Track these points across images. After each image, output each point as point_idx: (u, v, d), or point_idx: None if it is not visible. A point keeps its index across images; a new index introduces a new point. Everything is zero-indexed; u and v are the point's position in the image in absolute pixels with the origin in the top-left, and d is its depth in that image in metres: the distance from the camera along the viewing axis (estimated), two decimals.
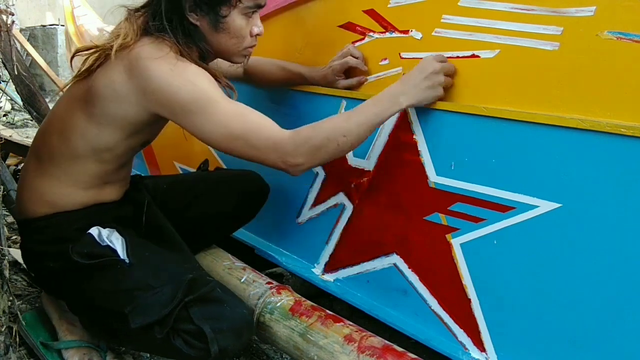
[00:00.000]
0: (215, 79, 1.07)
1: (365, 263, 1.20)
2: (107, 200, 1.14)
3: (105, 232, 1.04)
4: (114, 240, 1.03)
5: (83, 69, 1.02)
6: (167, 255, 1.07)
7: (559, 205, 0.85)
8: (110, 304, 1.00)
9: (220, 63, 1.20)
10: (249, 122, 0.96)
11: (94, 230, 1.04)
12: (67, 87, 1.07)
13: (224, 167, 1.62)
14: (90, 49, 1.02)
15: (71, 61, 1.16)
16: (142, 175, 1.50)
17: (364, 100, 1.13)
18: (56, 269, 1.06)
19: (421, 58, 1.03)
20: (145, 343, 1.04)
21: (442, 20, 0.99)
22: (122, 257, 1.01)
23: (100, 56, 1.00)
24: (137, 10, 1.03)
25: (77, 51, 1.06)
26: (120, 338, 1.10)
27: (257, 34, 1.07)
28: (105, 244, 1.02)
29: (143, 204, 1.19)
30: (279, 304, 1.11)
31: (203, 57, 1.07)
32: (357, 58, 1.14)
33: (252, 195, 1.35)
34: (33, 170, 1.09)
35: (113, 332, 1.07)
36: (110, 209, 1.14)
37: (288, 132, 0.97)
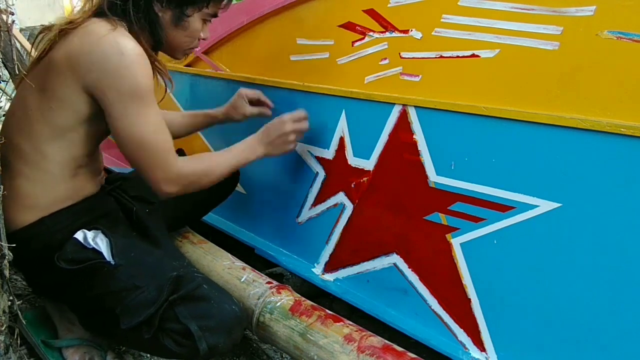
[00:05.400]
0: (157, 70, 1.13)
1: (365, 263, 1.20)
2: (86, 194, 1.10)
3: (90, 234, 1.03)
4: (99, 242, 1.02)
5: (42, 48, 1.01)
6: (153, 252, 1.06)
7: (559, 205, 0.85)
8: (102, 306, 0.99)
9: None
10: (161, 140, 1.00)
11: (79, 234, 1.02)
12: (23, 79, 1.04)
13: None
14: (48, 27, 1.02)
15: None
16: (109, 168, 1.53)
17: (363, 100, 1.13)
18: (49, 279, 1.05)
19: (421, 58, 1.03)
20: (138, 343, 1.04)
21: (442, 20, 0.99)
22: (107, 259, 0.99)
23: (56, 34, 0.99)
24: None
25: (41, 32, 1.04)
26: (117, 338, 1.10)
27: (203, 39, 1.14)
28: (90, 246, 1.01)
29: (120, 198, 1.20)
30: (278, 304, 1.12)
31: (155, 46, 1.09)
32: (269, 107, 1.32)
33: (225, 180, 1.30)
34: (5, 178, 1.02)
35: (110, 333, 1.07)
36: (95, 204, 1.11)
37: (179, 161, 1.03)
